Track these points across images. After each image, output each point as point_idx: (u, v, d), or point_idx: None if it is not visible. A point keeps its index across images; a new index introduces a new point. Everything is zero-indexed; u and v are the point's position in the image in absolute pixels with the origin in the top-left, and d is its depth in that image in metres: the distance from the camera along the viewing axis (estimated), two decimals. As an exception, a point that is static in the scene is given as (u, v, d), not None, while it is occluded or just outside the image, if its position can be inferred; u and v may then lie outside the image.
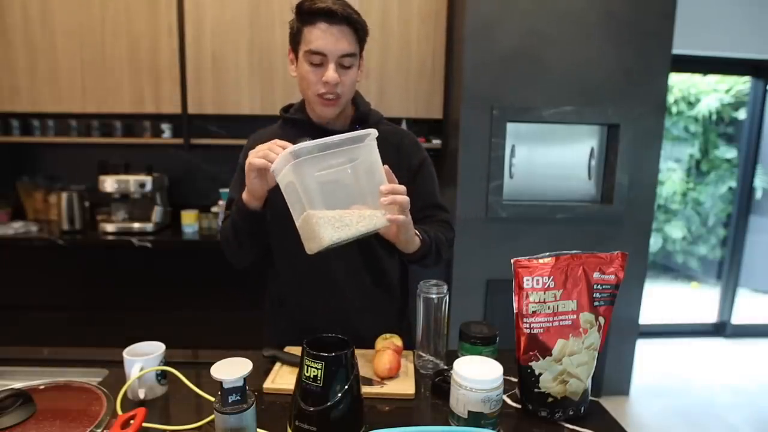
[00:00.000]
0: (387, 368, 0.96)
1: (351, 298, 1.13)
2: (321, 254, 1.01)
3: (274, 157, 0.87)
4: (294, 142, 1.02)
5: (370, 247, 1.15)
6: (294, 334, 1.03)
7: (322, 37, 0.99)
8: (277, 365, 1.02)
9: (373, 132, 0.88)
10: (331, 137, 0.84)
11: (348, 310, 1.12)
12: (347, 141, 0.85)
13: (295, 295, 1.15)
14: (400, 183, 1.00)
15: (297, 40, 1.03)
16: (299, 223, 0.88)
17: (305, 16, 1.00)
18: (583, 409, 0.87)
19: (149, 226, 2.45)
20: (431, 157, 1.25)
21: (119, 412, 0.82)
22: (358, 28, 1.02)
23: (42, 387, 0.79)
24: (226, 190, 2.58)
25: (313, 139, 0.86)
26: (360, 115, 1.14)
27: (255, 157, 0.91)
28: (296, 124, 1.15)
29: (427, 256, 1.05)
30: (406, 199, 0.90)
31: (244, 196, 1.00)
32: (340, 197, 0.87)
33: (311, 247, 0.87)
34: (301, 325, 1.08)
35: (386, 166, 0.92)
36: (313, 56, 1.00)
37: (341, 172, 0.87)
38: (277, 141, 0.92)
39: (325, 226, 0.84)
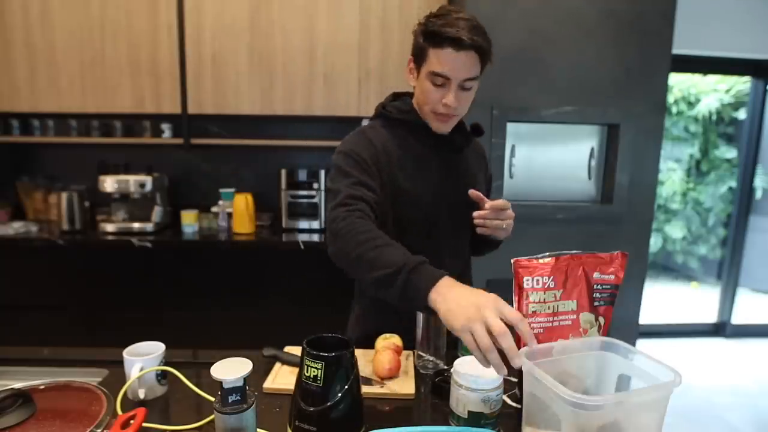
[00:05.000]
0: (387, 368, 0.96)
1: None
2: (437, 252, 1.10)
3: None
4: (402, 142, 1.12)
5: (470, 245, 1.25)
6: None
7: (447, 62, 0.99)
8: (277, 365, 1.02)
9: None
10: None
11: None
12: None
13: None
14: (481, 188, 1.16)
15: (421, 58, 1.04)
16: None
17: (434, 37, 0.99)
18: (583, 409, 0.87)
19: (149, 226, 2.45)
20: None
21: (119, 412, 0.82)
22: (483, 54, 1.02)
23: (42, 387, 0.79)
24: (227, 190, 2.62)
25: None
26: (473, 126, 1.24)
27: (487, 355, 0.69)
28: (405, 125, 1.13)
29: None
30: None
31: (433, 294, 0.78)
32: None
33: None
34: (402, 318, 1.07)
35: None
36: (436, 78, 1.02)
37: None
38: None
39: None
